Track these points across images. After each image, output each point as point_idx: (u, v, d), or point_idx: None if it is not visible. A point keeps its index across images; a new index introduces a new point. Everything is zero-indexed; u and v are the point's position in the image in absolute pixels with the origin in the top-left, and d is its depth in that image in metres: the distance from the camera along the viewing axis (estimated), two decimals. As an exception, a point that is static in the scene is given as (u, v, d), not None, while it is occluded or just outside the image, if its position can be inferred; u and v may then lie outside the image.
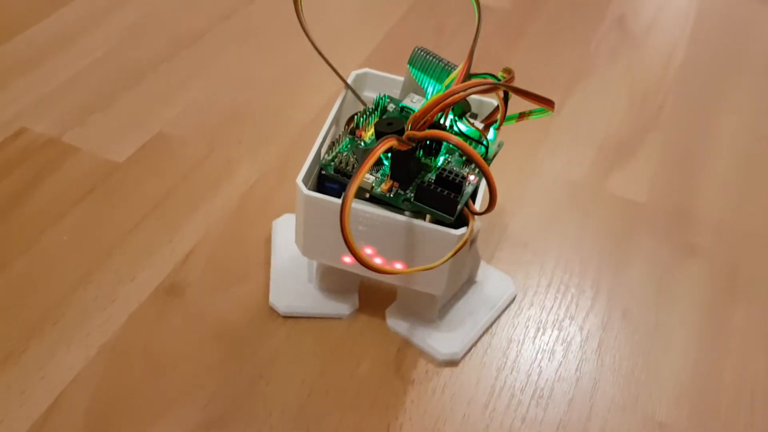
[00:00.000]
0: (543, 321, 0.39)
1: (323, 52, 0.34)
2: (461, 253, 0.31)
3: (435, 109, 0.29)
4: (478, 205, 0.32)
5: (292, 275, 0.39)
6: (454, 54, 0.34)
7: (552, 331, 0.38)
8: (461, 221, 0.31)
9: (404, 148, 0.30)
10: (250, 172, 0.45)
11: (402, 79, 0.36)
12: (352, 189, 0.28)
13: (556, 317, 0.39)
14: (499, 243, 0.42)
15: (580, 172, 0.48)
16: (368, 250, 0.33)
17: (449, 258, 0.30)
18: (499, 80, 0.31)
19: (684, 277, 0.41)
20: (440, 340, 0.36)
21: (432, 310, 0.37)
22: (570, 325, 0.38)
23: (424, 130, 0.30)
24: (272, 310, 0.37)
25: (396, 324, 0.37)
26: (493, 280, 0.40)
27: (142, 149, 0.46)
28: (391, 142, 0.29)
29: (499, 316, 0.38)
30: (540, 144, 0.49)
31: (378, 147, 0.29)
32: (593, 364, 0.37)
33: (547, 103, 0.29)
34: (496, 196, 0.29)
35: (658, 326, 0.39)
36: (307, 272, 0.39)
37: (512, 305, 0.39)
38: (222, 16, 0.59)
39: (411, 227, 0.31)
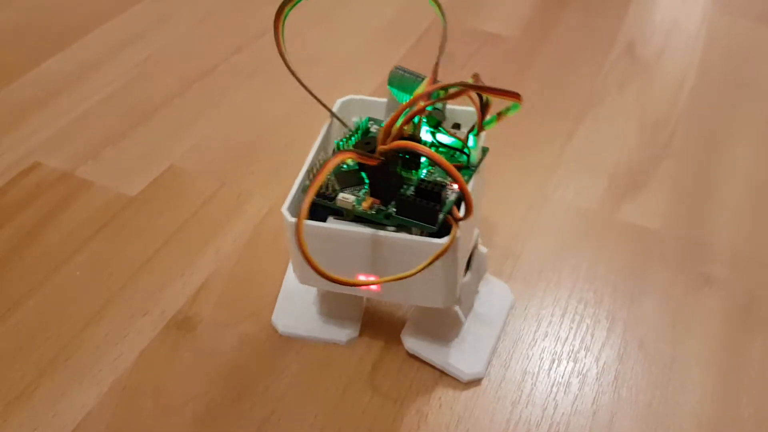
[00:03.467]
0: (558, 352, 0.38)
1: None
2: (452, 261, 0.31)
3: (402, 121, 0.29)
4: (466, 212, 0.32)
5: (298, 297, 0.39)
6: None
7: (567, 363, 0.38)
8: (448, 230, 0.31)
9: (369, 162, 0.29)
10: (261, 205, 0.45)
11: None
12: (308, 199, 0.27)
13: (571, 348, 0.38)
14: (513, 272, 0.42)
15: (593, 200, 0.47)
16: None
17: (427, 266, 0.29)
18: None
19: (699, 308, 0.41)
20: (461, 360, 0.36)
21: (447, 329, 0.37)
22: (586, 357, 0.38)
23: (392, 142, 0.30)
24: (284, 345, 0.37)
25: (413, 344, 0.37)
26: (488, 289, 0.40)
27: (155, 183, 0.46)
28: (344, 155, 0.29)
29: (504, 326, 0.39)
30: (551, 172, 0.49)
31: (330, 161, 0.28)
32: (610, 397, 0.36)
33: (514, 96, 0.29)
34: (470, 202, 0.29)
35: (675, 358, 0.38)
36: (313, 296, 0.39)
37: (527, 336, 0.39)
38: (232, 50, 0.59)
39: (393, 242, 0.31)
